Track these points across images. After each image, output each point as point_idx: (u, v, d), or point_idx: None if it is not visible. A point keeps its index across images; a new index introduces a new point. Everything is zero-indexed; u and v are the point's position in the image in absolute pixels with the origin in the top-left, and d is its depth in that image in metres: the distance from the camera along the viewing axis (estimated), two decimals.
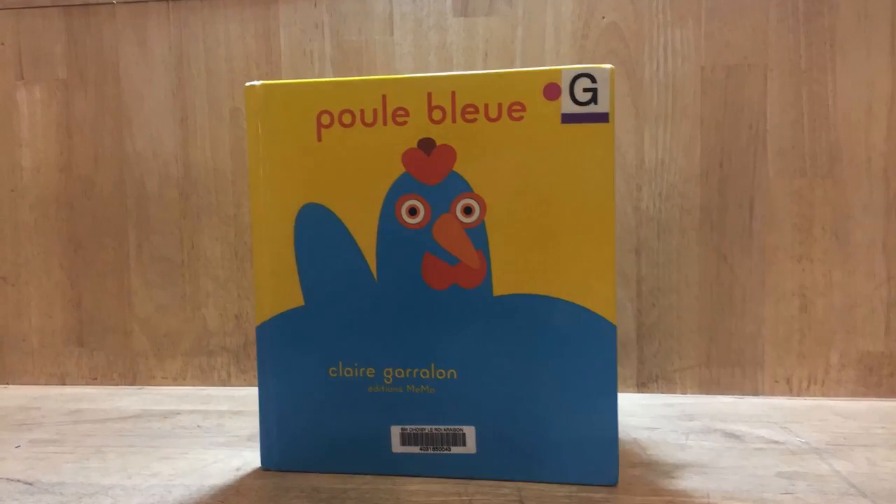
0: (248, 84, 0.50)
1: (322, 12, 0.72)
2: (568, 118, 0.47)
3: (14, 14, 0.75)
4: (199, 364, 0.75)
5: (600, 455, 0.48)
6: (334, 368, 0.50)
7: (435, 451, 0.50)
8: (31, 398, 0.72)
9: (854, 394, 0.68)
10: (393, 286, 0.49)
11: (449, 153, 0.48)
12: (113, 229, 0.76)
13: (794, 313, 0.68)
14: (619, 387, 0.71)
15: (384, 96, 0.49)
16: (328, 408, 0.50)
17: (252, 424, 0.62)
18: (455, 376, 0.49)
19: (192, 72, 0.74)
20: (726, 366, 0.69)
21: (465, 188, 0.48)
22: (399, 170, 0.49)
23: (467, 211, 0.48)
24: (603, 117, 0.48)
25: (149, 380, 0.76)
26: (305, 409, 0.51)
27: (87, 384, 0.77)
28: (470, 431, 0.50)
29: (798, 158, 0.67)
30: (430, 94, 0.48)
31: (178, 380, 0.76)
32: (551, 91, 0.47)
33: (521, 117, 0.48)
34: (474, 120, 0.48)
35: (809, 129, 0.67)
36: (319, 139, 0.50)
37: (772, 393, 0.69)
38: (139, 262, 0.76)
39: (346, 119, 0.49)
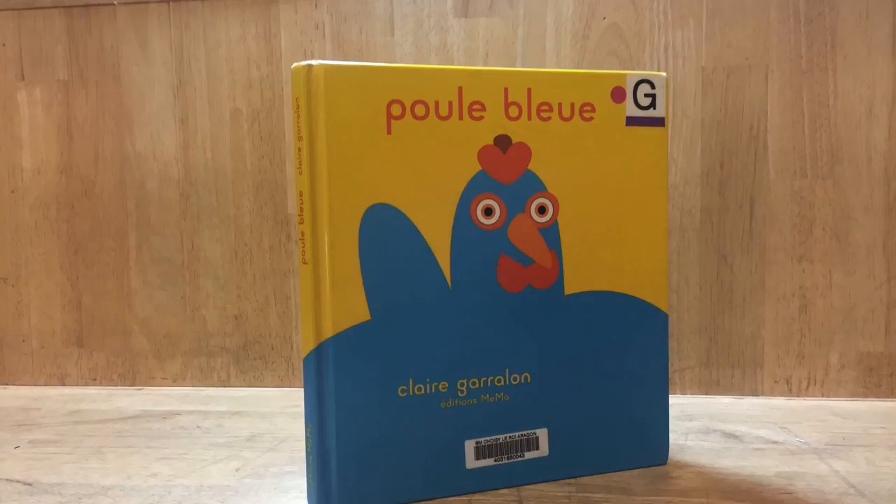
0: (297, 64, 0.43)
1: (322, 13, 0.72)
2: (631, 121, 0.49)
3: (15, 15, 0.76)
4: (198, 365, 0.75)
5: (655, 437, 0.51)
6: (404, 387, 0.46)
7: (509, 460, 0.48)
8: (31, 399, 0.73)
9: (854, 394, 0.68)
10: (467, 291, 0.46)
11: (525, 151, 0.47)
12: (113, 230, 0.76)
13: (794, 314, 0.68)
14: None
15: (460, 88, 0.45)
16: (397, 432, 0.46)
17: (251, 424, 0.62)
18: (529, 380, 0.48)
19: (192, 73, 0.74)
20: (726, 366, 0.69)
21: (539, 187, 0.47)
22: (475, 167, 0.46)
23: (541, 210, 0.48)
24: (660, 122, 0.50)
25: (148, 380, 0.76)
26: (370, 438, 0.45)
27: (86, 385, 0.77)
28: (543, 434, 0.49)
29: (799, 159, 0.67)
30: (506, 90, 0.46)
31: (178, 380, 0.76)
32: (618, 94, 0.49)
33: (591, 118, 0.48)
34: (549, 118, 0.47)
35: (810, 130, 0.67)
36: (389, 132, 0.45)
37: (771, 393, 0.69)
38: (139, 262, 0.76)
39: (420, 111, 0.45)
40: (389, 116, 0.44)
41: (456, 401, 0.47)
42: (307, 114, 0.43)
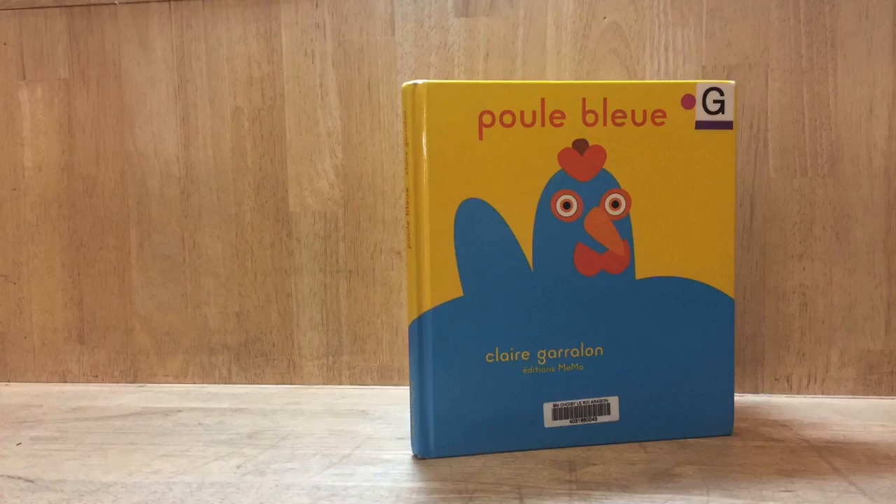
0: (406, 83, 0.52)
1: (323, 12, 0.72)
2: (701, 125, 0.55)
3: (16, 14, 0.76)
4: (199, 362, 0.76)
5: (720, 411, 0.57)
6: (491, 354, 0.54)
7: (583, 422, 0.55)
8: (33, 396, 0.73)
9: (854, 392, 0.68)
10: (547, 274, 0.54)
11: (600, 153, 0.54)
12: (114, 228, 0.76)
13: (795, 312, 0.68)
14: None
15: (543, 99, 0.53)
16: (484, 392, 0.54)
17: (252, 421, 0.62)
18: (602, 353, 0.55)
19: (193, 72, 0.74)
20: None
21: (613, 184, 0.54)
22: (555, 167, 0.53)
23: (615, 204, 0.54)
24: (728, 125, 0.55)
25: (150, 377, 0.76)
26: (462, 395, 0.53)
27: (88, 382, 0.77)
28: (614, 401, 0.55)
29: (799, 157, 0.67)
30: (584, 99, 0.53)
31: (179, 377, 0.76)
32: (688, 101, 0.54)
33: (663, 122, 0.54)
34: (623, 123, 0.54)
35: (810, 129, 0.67)
36: (481, 137, 0.52)
37: (772, 391, 0.69)
38: (140, 260, 0.76)
39: (507, 119, 0.52)
40: (481, 125, 0.52)
41: (536, 368, 0.54)
42: (412, 123, 0.52)
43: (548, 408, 0.55)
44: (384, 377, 0.74)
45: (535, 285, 0.54)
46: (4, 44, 0.76)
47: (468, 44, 0.71)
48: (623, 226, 0.54)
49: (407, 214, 0.54)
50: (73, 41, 0.75)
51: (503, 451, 0.54)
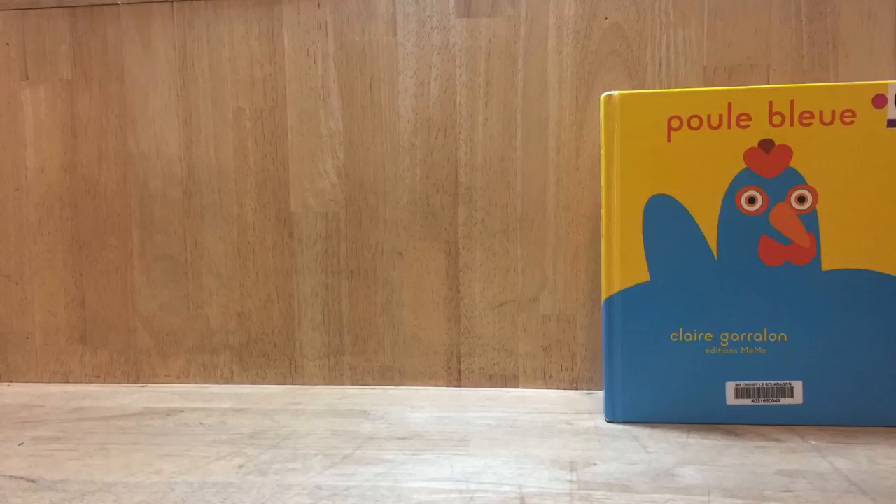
0: (604, 94, 0.59)
1: (325, 13, 0.72)
2: (893, 123, 0.57)
3: (19, 15, 0.76)
4: (201, 362, 0.76)
5: None
6: (675, 334, 0.60)
7: (766, 403, 0.59)
8: (35, 396, 0.73)
9: None
10: (731, 263, 0.59)
11: (786, 151, 0.58)
12: (116, 228, 0.76)
13: None
14: None
15: (729, 104, 0.58)
16: (668, 367, 0.60)
17: (254, 421, 0.62)
18: (785, 339, 0.59)
19: (195, 72, 0.74)
20: None
21: (799, 181, 0.58)
22: (740, 165, 0.58)
23: (801, 200, 0.58)
24: None
25: (152, 377, 0.77)
26: (648, 369, 0.60)
27: (90, 382, 0.77)
28: (798, 385, 0.59)
29: None
30: (770, 102, 0.58)
31: (181, 377, 0.76)
32: (879, 101, 0.57)
33: (852, 122, 0.57)
34: (810, 124, 0.58)
35: None
36: (669, 140, 0.59)
37: None
38: (142, 260, 0.76)
39: (694, 123, 0.58)
40: (669, 128, 0.59)
41: (718, 349, 0.60)
42: (607, 128, 0.59)
43: (730, 387, 0.59)
44: (385, 377, 0.74)
45: (718, 273, 0.59)
46: (7, 44, 0.76)
47: (470, 44, 0.71)
48: (809, 220, 0.58)
49: (601, 208, 0.61)
50: (75, 42, 0.75)
51: (686, 423, 0.60)
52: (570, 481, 0.48)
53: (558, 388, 0.72)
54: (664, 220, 0.59)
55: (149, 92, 0.75)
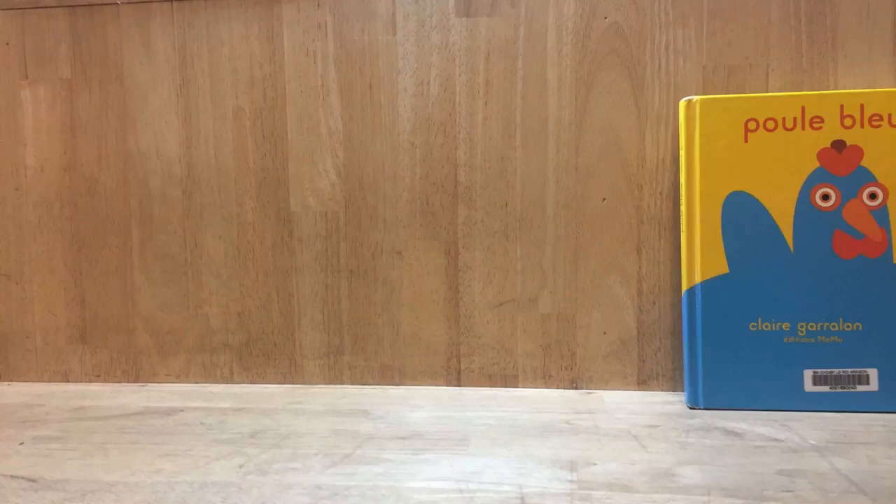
0: (683, 99, 0.64)
1: (325, 13, 0.72)
2: None
3: (19, 14, 0.76)
4: (201, 361, 0.76)
5: None
6: (754, 323, 0.63)
7: (842, 390, 0.62)
8: (35, 395, 0.73)
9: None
10: (806, 256, 0.63)
11: (857, 151, 0.62)
12: (116, 227, 0.76)
13: None
14: (620, 384, 0.71)
15: (803, 108, 0.62)
16: (747, 355, 0.64)
17: (254, 421, 0.62)
18: (861, 328, 0.62)
19: (195, 72, 0.74)
20: None
21: (870, 179, 0.62)
22: (814, 164, 0.63)
23: (872, 196, 0.62)
24: None
25: (152, 377, 0.77)
26: (728, 357, 0.64)
27: (90, 381, 0.77)
28: (873, 373, 0.62)
29: None
30: (842, 106, 0.62)
31: (181, 377, 0.76)
32: None
33: None
34: (879, 126, 0.62)
35: None
36: (746, 141, 0.63)
37: None
38: (142, 260, 0.76)
39: (770, 125, 0.63)
40: (746, 130, 0.63)
41: (796, 338, 0.63)
42: (687, 131, 0.64)
43: (808, 374, 0.63)
44: (385, 377, 0.74)
45: (795, 265, 0.63)
46: (7, 43, 0.76)
47: (469, 44, 0.71)
48: (881, 215, 0.62)
49: (682, 204, 0.65)
50: (75, 41, 0.75)
51: (765, 410, 0.63)
52: (570, 481, 0.48)
53: (558, 388, 0.72)
54: (742, 215, 0.63)
55: (148, 91, 0.75)
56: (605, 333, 0.71)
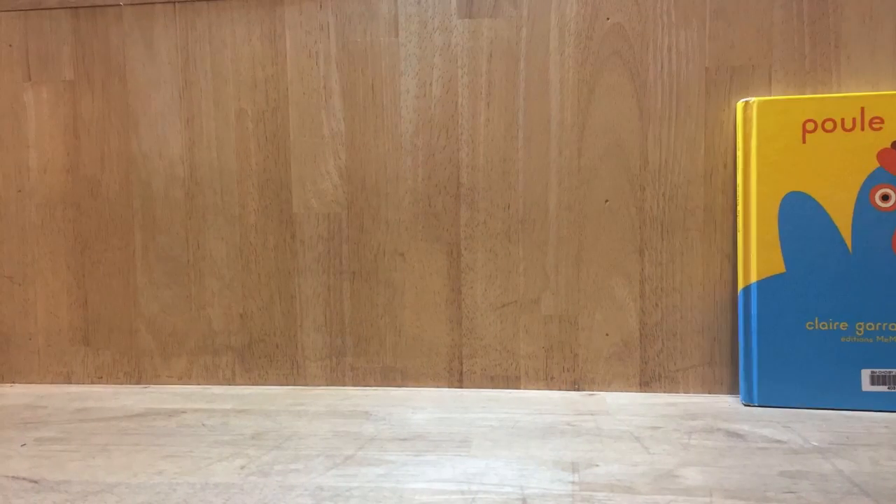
0: (740, 101, 0.65)
1: (327, 14, 0.72)
2: None
3: (21, 16, 0.76)
4: (204, 363, 0.76)
5: None
6: (810, 322, 0.64)
7: None
8: (37, 397, 0.73)
9: None
10: (865, 256, 0.63)
11: None
12: (119, 229, 0.76)
13: None
14: (622, 385, 0.71)
15: (862, 108, 0.63)
16: (804, 354, 0.64)
17: (256, 422, 0.62)
18: None
19: (198, 73, 0.74)
20: (729, 365, 0.69)
21: None
22: (874, 165, 0.62)
23: None
24: None
25: (154, 378, 0.77)
26: (784, 356, 0.64)
27: (92, 383, 0.77)
28: None
29: None
30: None
31: (184, 379, 0.76)
32: None
33: None
34: None
35: None
36: (804, 141, 0.63)
37: None
38: (145, 261, 0.76)
39: (828, 126, 0.63)
40: (804, 131, 0.63)
41: (854, 337, 0.63)
42: (743, 132, 0.65)
43: (866, 374, 0.63)
44: (387, 378, 0.74)
45: (853, 265, 0.63)
46: (10, 45, 0.76)
47: (472, 45, 0.71)
48: None
49: (738, 204, 0.66)
50: (78, 43, 0.76)
51: (821, 409, 0.63)
52: (572, 482, 0.48)
53: (560, 389, 0.72)
54: (800, 215, 0.63)
55: (151, 93, 0.75)
56: (607, 335, 0.71)
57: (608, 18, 0.69)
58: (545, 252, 0.71)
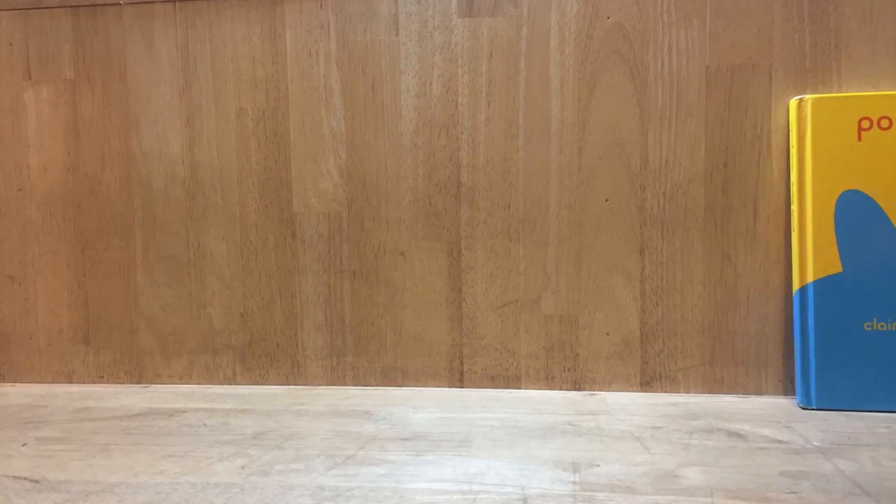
0: (794, 98, 0.65)
1: (327, 13, 0.72)
2: None
3: (22, 15, 0.76)
4: (204, 362, 0.76)
5: None
6: (868, 323, 0.63)
7: None
8: (38, 396, 0.73)
9: None
10: None
11: None
12: (119, 228, 0.76)
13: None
14: (622, 385, 0.71)
15: None
16: (862, 355, 0.63)
17: (257, 422, 0.62)
18: None
19: (198, 72, 0.74)
20: (730, 365, 0.69)
21: None
22: None
23: None
24: None
25: (155, 378, 0.77)
26: (841, 357, 0.63)
27: (93, 382, 0.78)
28: None
29: None
30: None
31: (184, 378, 0.76)
32: None
33: None
34: None
35: None
36: (859, 139, 0.63)
37: (776, 392, 0.69)
38: (145, 261, 0.76)
39: (884, 123, 0.63)
40: (860, 129, 0.63)
41: None
42: (798, 130, 0.64)
43: None
44: (388, 378, 0.74)
45: None
46: (10, 44, 0.76)
47: (472, 44, 0.71)
48: None
49: (792, 203, 0.65)
50: (78, 42, 0.75)
51: (881, 411, 0.62)
52: (573, 482, 0.48)
53: (561, 389, 0.72)
54: (856, 214, 0.63)
55: (151, 92, 0.75)
56: (607, 335, 0.71)
57: (608, 17, 0.69)
58: (546, 251, 0.71)
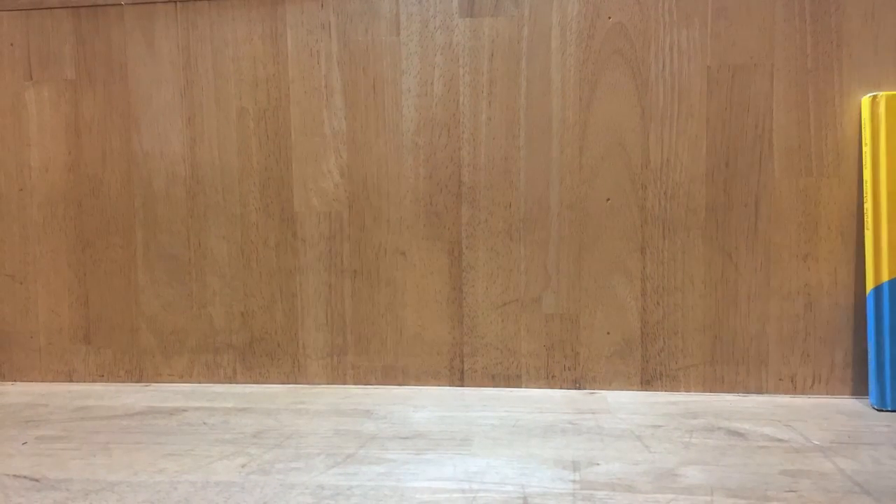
0: (866, 96, 0.64)
1: (329, 13, 0.72)
2: None
3: (23, 15, 0.76)
4: (205, 361, 0.76)
5: None
6: None
7: None
8: (39, 395, 0.73)
9: (858, 392, 0.68)
10: None
11: None
12: (120, 228, 0.76)
13: (799, 312, 0.68)
14: (623, 384, 0.71)
15: None
16: None
17: (257, 421, 0.62)
18: None
19: (199, 72, 0.74)
20: (730, 364, 0.69)
21: None
22: None
23: None
24: None
25: (155, 377, 0.77)
26: None
27: (94, 381, 0.78)
28: None
29: (804, 158, 0.67)
30: None
31: (185, 377, 0.76)
32: None
33: None
34: None
35: (815, 129, 0.67)
36: None
37: (776, 391, 0.69)
38: (146, 260, 0.76)
39: None
40: None
41: None
42: (871, 127, 0.64)
43: None
44: (388, 377, 0.74)
45: None
46: (11, 44, 0.76)
47: (473, 44, 0.71)
48: None
49: (866, 202, 0.64)
50: (79, 42, 0.76)
51: None
52: (573, 481, 0.48)
53: (561, 388, 0.72)
54: None
55: (152, 92, 0.75)
56: (608, 334, 0.71)
57: (610, 17, 0.69)
58: (546, 250, 0.71)
